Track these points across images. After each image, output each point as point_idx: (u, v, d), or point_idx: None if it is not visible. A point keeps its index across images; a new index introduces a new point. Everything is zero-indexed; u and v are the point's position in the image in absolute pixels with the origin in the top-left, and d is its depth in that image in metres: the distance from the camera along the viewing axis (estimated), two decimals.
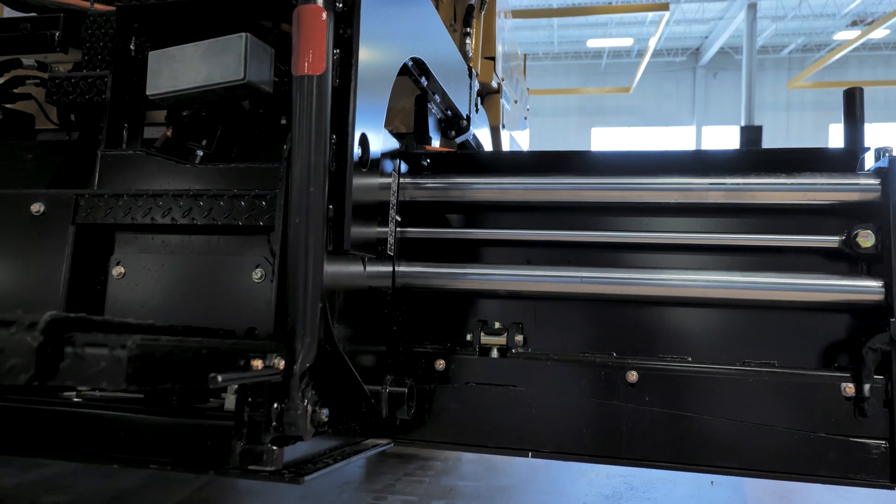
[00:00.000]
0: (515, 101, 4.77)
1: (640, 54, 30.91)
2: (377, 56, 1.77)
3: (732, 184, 2.14)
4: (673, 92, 35.29)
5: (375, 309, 2.10)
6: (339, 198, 1.62)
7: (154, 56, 2.04)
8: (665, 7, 21.52)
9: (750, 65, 27.39)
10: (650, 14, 28.47)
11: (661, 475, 3.40)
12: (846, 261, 2.16)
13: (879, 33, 31.08)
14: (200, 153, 2.16)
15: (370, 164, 1.80)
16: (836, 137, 35.34)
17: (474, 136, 3.20)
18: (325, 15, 1.54)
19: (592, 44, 33.05)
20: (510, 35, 4.68)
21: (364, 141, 1.69)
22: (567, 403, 2.11)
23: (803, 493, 3.22)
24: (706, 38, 33.64)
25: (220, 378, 1.15)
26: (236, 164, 2.01)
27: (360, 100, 1.66)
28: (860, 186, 2.10)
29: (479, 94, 3.74)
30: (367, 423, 2.05)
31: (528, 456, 2.11)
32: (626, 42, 32.71)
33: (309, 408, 1.49)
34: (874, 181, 2.08)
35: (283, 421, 1.48)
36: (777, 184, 2.13)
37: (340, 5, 1.62)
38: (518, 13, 26.27)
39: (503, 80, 4.06)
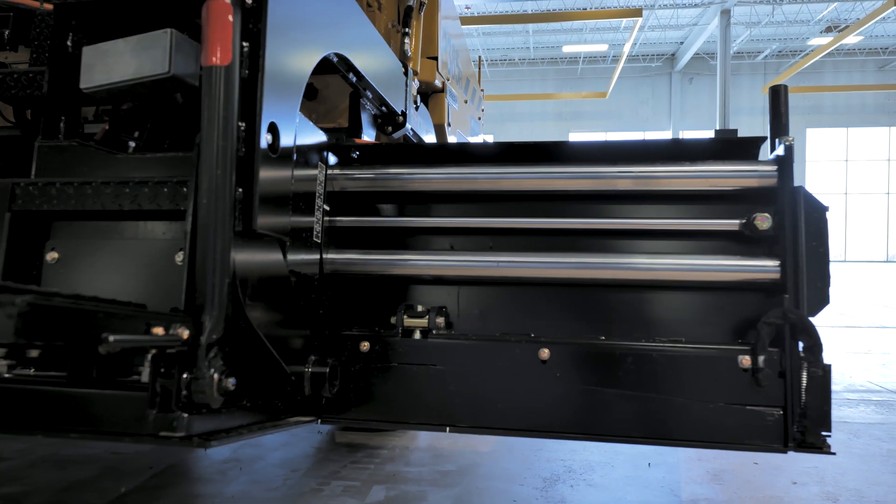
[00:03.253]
0: (466, 102, 4.89)
1: (616, 59, 31.25)
2: (289, 50, 1.88)
3: (639, 172, 2.26)
4: (649, 97, 35.70)
5: (299, 293, 2.20)
6: (247, 181, 1.72)
7: (87, 51, 2.13)
8: (638, 13, 21.83)
9: (724, 70, 27.75)
10: (624, 20, 28.80)
11: (599, 459, 3.52)
12: (750, 243, 2.29)
13: (853, 39, 31.65)
14: (133, 144, 2.26)
15: (286, 152, 1.91)
16: (812, 141, 35.89)
17: (414, 132, 3.31)
18: (231, 10, 1.65)
19: (568, 49, 33.38)
20: (460, 40, 4.81)
21: (273, 129, 1.80)
22: (483, 380, 2.22)
23: (735, 472, 3.35)
24: (681, 43, 34.08)
25: (111, 338, 1.25)
26: (164, 153, 2.10)
27: (270, 90, 1.76)
28: (759, 173, 2.23)
29: (422, 92, 3.86)
30: (293, 402, 2.14)
31: (446, 431, 2.22)
32: (602, 47, 33.08)
33: (215, 376, 1.59)
34: (772, 168, 2.21)
35: (191, 389, 1.58)
36: (681, 171, 2.26)
37: (250, 1, 1.73)
38: (493, 18, 26.59)
39: (449, 79, 4.18)
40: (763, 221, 2.18)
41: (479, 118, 5.68)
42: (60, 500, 3.04)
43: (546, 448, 3.69)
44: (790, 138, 2.25)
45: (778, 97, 2.52)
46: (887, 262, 36.16)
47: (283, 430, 2.03)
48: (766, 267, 2.17)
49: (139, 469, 3.40)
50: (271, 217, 1.85)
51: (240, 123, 1.70)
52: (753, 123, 33.79)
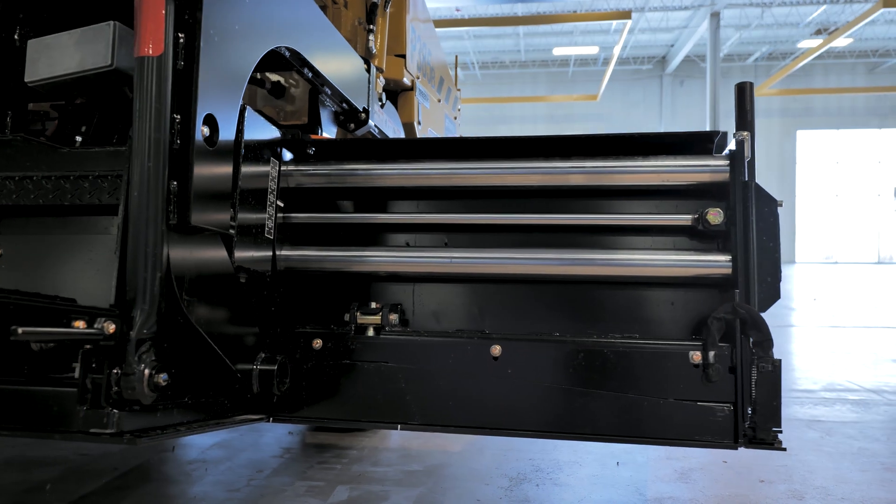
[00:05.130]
0: (439, 101, 4.88)
1: (607, 62, 31.33)
2: (230, 42, 1.85)
3: (592, 167, 2.25)
4: (640, 99, 35.81)
5: (250, 290, 2.17)
6: (183, 174, 1.69)
7: (32, 44, 2.11)
8: (627, 15, 21.89)
9: (714, 72, 27.84)
10: (614, 22, 28.87)
11: (568, 458, 3.50)
12: (704, 238, 2.28)
13: (842, 42, 31.77)
14: (80, 139, 2.23)
15: (227, 146, 1.88)
16: (803, 143, 36.03)
17: (379, 129, 3.29)
18: (164, 1, 1.63)
19: (559, 52, 33.44)
20: (433, 41, 4.80)
21: (211, 121, 1.77)
22: (435, 377, 2.20)
23: (704, 471, 3.33)
24: (672, 46, 34.19)
25: (20, 330, 1.23)
26: (108, 147, 2.08)
27: (207, 82, 1.74)
28: (711, 168, 2.22)
29: (391, 90, 3.85)
30: (242, 400, 2.11)
31: (397, 428, 2.20)
32: (592, 50, 33.16)
33: (146, 372, 1.56)
34: (724, 163, 2.20)
35: (121, 385, 1.55)
36: (634, 166, 2.24)
37: None
38: (483, 21, 26.62)
39: (419, 78, 4.16)
40: (715, 216, 2.17)
41: (455, 118, 5.67)
42: (21, 501, 3.00)
43: (516, 448, 3.67)
44: (745, 133, 2.23)
45: (743, 94, 2.50)
46: (878, 263, 36.29)
47: (227, 427, 2.01)
48: (717, 262, 2.15)
49: (104, 470, 3.37)
50: (210, 211, 1.82)
51: (175, 115, 1.68)
52: None
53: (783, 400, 5.11)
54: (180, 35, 1.70)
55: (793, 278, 23.33)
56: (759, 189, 2.12)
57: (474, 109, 33.95)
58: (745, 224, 2.09)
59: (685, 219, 2.23)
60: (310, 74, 2.54)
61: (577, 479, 3.23)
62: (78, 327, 1.43)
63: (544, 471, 3.32)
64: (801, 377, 5.95)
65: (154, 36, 1.61)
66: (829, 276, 24.84)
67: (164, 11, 1.63)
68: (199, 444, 3.81)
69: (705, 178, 2.22)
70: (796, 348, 7.83)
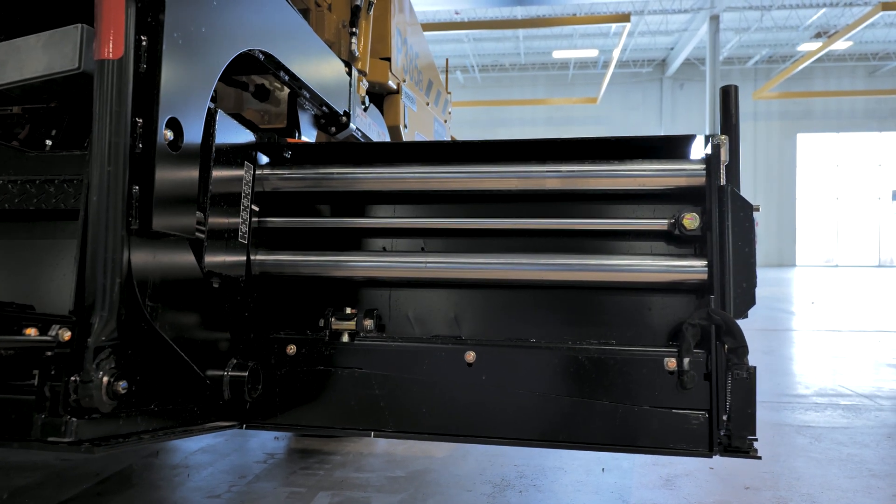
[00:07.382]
0: (427, 104, 4.86)
1: (607, 65, 31.33)
2: (196, 45, 1.83)
3: (568, 171, 2.22)
4: (640, 102, 35.79)
5: (222, 295, 2.15)
6: (145, 178, 1.67)
7: (1, 47, 2.09)
8: (626, 18, 21.87)
9: (714, 75, 27.83)
10: (614, 26, 28.87)
11: (551, 463, 3.47)
12: (681, 243, 2.25)
13: (842, 45, 31.76)
14: (49, 143, 2.21)
15: (193, 149, 1.85)
16: (803, 147, 36.00)
17: (362, 133, 3.27)
18: (124, 2, 1.60)
19: (558, 55, 33.43)
20: (421, 44, 4.78)
21: (175, 125, 1.75)
22: (408, 384, 2.17)
23: (690, 477, 3.30)
24: (671, 49, 34.18)
25: None
26: (75, 151, 2.05)
27: (171, 86, 1.71)
28: (687, 172, 2.20)
29: (375, 93, 3.83)
30: (213, 407, 2.09)
31: (370, 435, 2.17)
32: (592, 53, 33.15)
33: (104, 379, 1.54)
34: (700, 167, 2.18)
35: (79, 393, 1.53)
36: (609, 170, 2.22)
37: None
38: (482, 24, 26.65)
39: (405, 81, 4.14)
40: (691, 221, 2.15)
41: (445, 121, 5.65)
42: None
43: (501, 453, 3.64)
44: (722, 137, 2.21)
45: (728, 97, 2.48)
46: (879, 266, 36.24)
47: (196, 435, 1.98)
48: (693, 267, 2.13)
49: (86, 476, 3.35)
50: (174, 216, 1.79)
51: (137, 119, 1.66)
52: (745, 129, 33.79)
53: (775, 405, 5.09)
54: (142, 38, 1.67)
55: (793, 281, 23.28)
56: (735, 193, 2.10)
57: (474, 112, 33.97)
58: (720, 229, 2.07)
59: (661, 223, 2.21)
60: (286, 78, 2.52)
61: (560, 485, 3.20)
62: (29, 334, 1.41)
63: (528, 477, 3.29)
64: (794, 382, 5.92)
65: (115, 38, 1.58)
66: (830, 280, 24.78)
67: (124, 14, 1.60)
68: (184, 448, 3.79)
69: (682, 182, 2.20)
70: (791, 353, 7.80)
